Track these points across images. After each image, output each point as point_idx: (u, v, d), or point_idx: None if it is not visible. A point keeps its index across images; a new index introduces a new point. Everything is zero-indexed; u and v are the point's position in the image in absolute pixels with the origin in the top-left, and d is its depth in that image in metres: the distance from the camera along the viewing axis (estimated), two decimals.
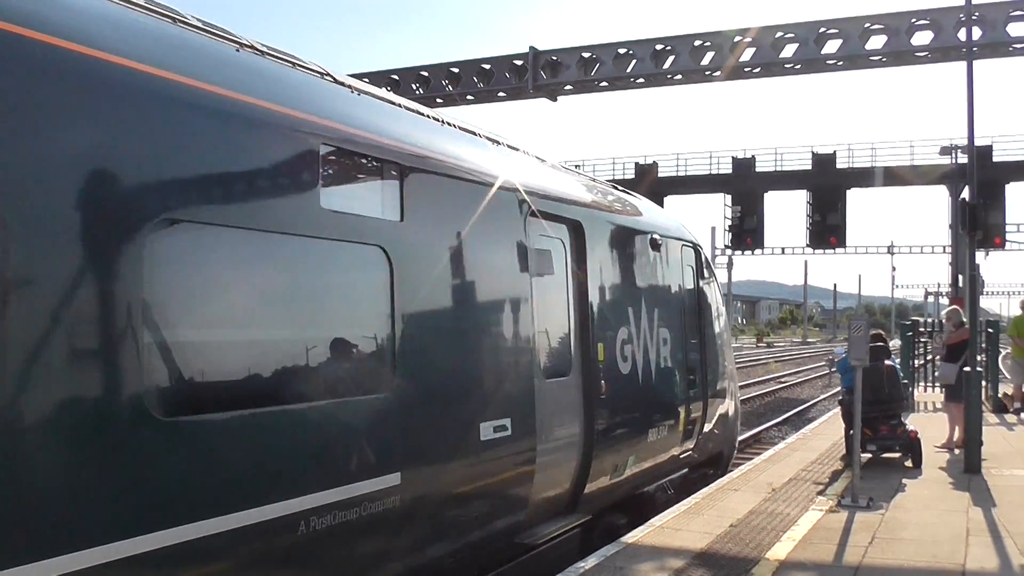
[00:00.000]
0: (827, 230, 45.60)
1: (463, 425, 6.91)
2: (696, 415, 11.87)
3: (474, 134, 8.37)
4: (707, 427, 12.41)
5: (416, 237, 6.49)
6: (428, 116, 7.80)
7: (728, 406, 13.83)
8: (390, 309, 6.03)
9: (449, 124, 7.98)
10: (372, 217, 6.10)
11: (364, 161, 6.17)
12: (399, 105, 7.46)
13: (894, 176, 46.48)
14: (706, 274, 13.18)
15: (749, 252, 51.58)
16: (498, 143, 8.76)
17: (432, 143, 7.20)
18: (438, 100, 45.07)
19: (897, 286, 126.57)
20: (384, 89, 8.11)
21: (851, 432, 11.80)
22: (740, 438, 20.85)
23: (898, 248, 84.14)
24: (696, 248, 12.85)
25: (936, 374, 14.61)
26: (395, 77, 45.31)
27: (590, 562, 7.96)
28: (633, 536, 8.96)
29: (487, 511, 7.30)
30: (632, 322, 9.94)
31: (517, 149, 9.22)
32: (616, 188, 11.91)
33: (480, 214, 7.32)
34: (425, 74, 44.62)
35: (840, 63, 36.95)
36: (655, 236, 10.99)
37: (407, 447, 6.20)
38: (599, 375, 8.97)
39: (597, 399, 8.86)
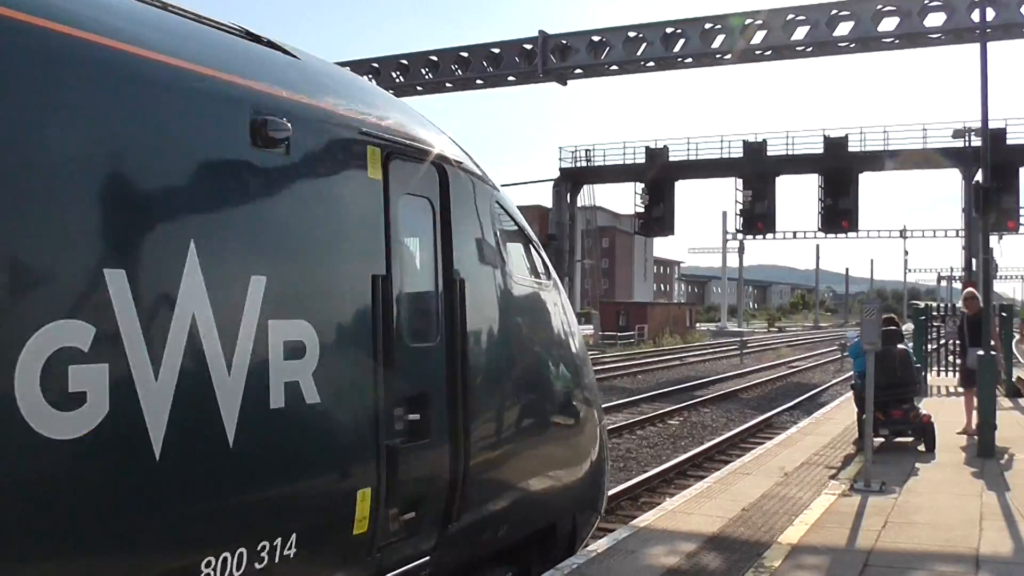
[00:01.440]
0: (839, 214, 45.49)
1: None
2: (432, 488, 5.68)
3: None
4: (482, 504, 6.19)
5: None
6: None
7: (562, 451, 7.51)
8: None
9: None
10: None
11: None
12: None
13: (906, 159, 46.28)
14: (489, 225, 6.67)
15: (760, 236, 51.46)
16: None
17: None
18: (447, 84, 45.01)
19: (910, 270, 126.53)
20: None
21: (864, 416, 11.75)
22: (747, 425, 20.68)
23: (911, 232, 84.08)
24: (446, 169, 6.06)
25: (968, 360, 14.18)
26: (404, 62, 45.21)
27: (602, 545, 7.95)
28: (645, 520, 8.97)
29: None
30: (113, 310, 3.77)
31: None
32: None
33: None
34: (435, 59, 44.51)
35: (852, 45, 36.68)
36: (265, 119, 4.54)
37: None
38: None
39: None
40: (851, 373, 17.83)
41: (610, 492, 12.37)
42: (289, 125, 4.62)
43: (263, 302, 4.42)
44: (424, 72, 44.14)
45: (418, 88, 45.16)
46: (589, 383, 8.19)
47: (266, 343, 4.43)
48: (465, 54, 43.47)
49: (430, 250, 5.86)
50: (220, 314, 4.20)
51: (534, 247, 7.59)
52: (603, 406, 22.93)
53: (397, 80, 44.58)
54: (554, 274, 7.75)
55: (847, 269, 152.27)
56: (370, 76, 45.42)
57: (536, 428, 7.05)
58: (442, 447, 5.69)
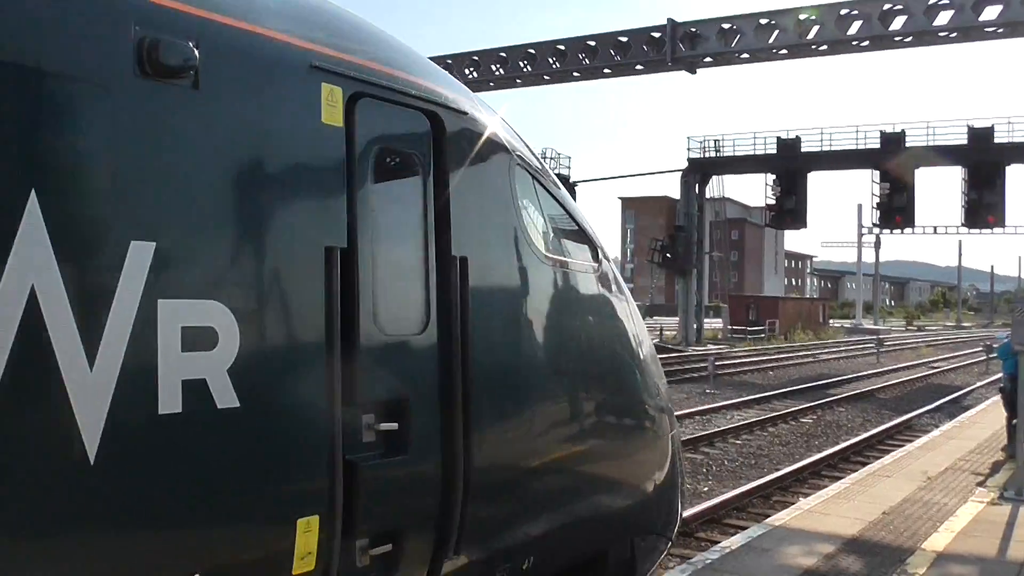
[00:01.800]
0: (984, 208, 43.28)
1: None
2: (416, 514, 4.50)
3: None
4: (492, 533, 5.04)
5: None
6: None
7: (614, 466, 6.14)
8: None
9: None
10: None
11: None
12: None
13: None
14: (507, 192, 5.28)
15: (898, 231, 49.46)
16: None
17: None
18: (575, 73, 44.95)
19: None
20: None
21: (1014, 421, 11.17)
22: (885, 426, 19.87)
23: None
24: (443, 118, 4.66)
25: None
26: (532, 51, 45.34)
27: (736, 542, 7.80)
28: (780, 518, 8.74)
29: None
30: None
31: None
32: None
33: None
34: (562, 48, 44.48)
35: (1000, 31, 34.89)
36: (158, 40, 3.36)
37: None
38: None
39: None
40: (998, 376, 16.97)
41: (742, 489, 12.12)
42: (196, 51, 3.48)
43: (149, 276, 3.30)
44: (551, 61, 44.19)
45: (545, 77, 45.25)
46: (654, 387, 6.62)
47: (153, 329, 3.30)
48: (592, 43, 43.31)
49: (418, 219, 4.53)
50: (78, 290, 3.11)
51: (577, 224, 6.17)
52: (733, 401, 22.70)
53: (525, 69, 44.80)
54: (606, 259, 6.38)
55: (992, 266, 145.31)
56: (497, 65, 45.84)
57: (574, 439, 5.71)
58: (430, 463, 4.45)
